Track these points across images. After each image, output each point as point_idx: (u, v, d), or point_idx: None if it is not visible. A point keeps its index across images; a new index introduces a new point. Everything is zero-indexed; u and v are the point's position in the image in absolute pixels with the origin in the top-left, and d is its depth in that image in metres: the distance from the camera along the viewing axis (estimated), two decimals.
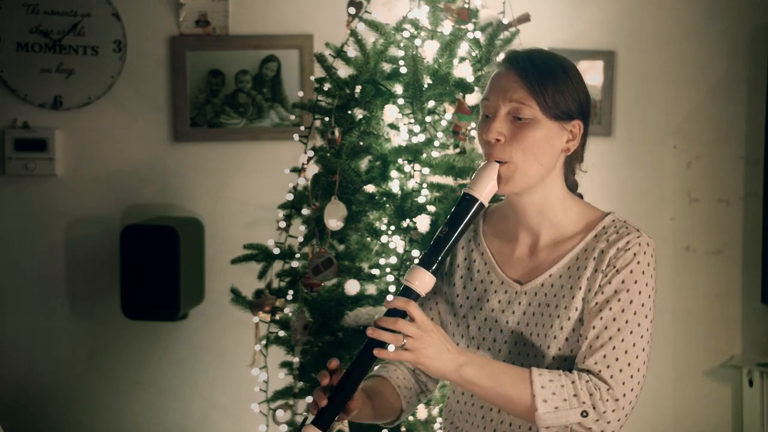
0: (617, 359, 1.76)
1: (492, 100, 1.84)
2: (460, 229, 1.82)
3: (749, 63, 4.14)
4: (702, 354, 4.19)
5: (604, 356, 1.76)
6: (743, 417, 4.12)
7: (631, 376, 1.77)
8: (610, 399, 1.75)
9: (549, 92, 1.80)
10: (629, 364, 1.76)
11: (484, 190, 1.81)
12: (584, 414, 1.74)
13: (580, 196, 1.97)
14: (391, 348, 1.75)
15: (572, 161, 1.91)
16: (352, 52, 3.16)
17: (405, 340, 1.73)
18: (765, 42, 4.10)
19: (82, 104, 4.12)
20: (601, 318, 1.78)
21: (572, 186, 1.94)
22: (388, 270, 3.04)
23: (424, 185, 3.03)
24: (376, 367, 2.09)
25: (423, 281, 1.79)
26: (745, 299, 4.19)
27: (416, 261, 1.86)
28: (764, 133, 4.04)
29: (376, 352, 1.74)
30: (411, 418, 3.02)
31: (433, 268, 1.80)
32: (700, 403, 4.19)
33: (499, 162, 1.82)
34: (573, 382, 1.75)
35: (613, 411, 1.75)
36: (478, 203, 1.82)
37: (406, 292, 1.80)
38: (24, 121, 4.12)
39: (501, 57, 1.90)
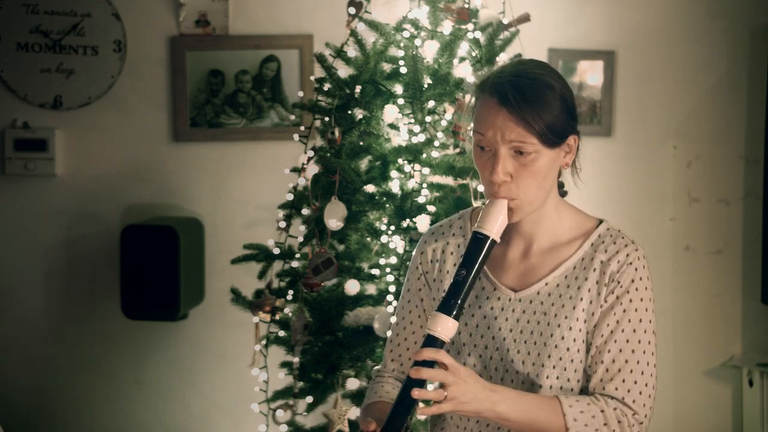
0: (635, 382, 1.80)
1: (488, 137, 1.77)
2: (476, 269, 1.77)
3: (749, 63, 4.14)
4: (702, 354, 4.19)
5: (623, 381, 1.80)
6: (743, 417, 4.12)
7: (649, 396, 1.81)
8: (636, 423, 1.79)
9: (546, 124, 1.75)
10: (646, 384, 1.81)
11: (495, 227, 1.78)
12: None
13: (565, 193, 1.96)
14: (429, 387, 1.73)
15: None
16: (352, 52, 3.16)
17: (446, 391, 1.70)
18: (765, 42, 4.10)
19: (82, 104, 4.12)
20: (615, 341, 1.81)
21: (559, 185, 1.93)
22: (388, 270, 3.04)
23: (424, 185, 3.03)
24: (372, 384, 2.08)
25: (446, 327, 1.75)
26: (745, 299, 4.19)
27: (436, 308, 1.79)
28: (764, 133, 4.03)
29: (415, 393, 1.70)
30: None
31: (455, 313, 1.75)
32: (700, 403, 4.19)
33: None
34: (602, 411, 1.78)
35: None
36: (489, 240, 1.78)
37: (431, 341, 1.75)
38: (24, 121, 4.12)
39: (486, 84, 1.80)
